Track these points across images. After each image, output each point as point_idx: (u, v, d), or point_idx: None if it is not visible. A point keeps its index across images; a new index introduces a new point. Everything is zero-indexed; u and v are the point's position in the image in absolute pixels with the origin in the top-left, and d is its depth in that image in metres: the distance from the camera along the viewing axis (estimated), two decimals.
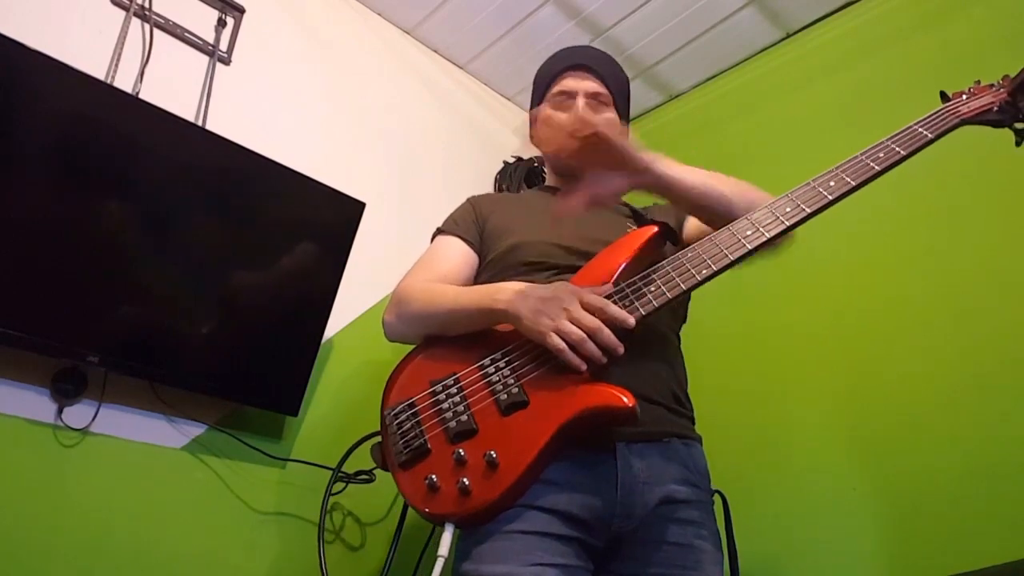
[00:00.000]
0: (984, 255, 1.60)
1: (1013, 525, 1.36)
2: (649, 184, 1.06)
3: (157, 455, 1.61)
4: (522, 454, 0.99)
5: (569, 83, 1.35)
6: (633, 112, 2.67)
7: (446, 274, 1.27)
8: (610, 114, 1.35)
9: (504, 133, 2.64)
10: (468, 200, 1.42)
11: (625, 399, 0.98)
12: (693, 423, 1.21)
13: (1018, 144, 1.12)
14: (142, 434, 1.60)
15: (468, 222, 1.35)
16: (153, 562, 1.55)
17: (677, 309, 1.28)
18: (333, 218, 1.85)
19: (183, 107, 1.77)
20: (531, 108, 1.46)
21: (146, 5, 1.80)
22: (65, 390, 1.49)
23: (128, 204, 1.56)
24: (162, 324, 1.59)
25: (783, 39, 2.30)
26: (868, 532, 1.58)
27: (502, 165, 2.54)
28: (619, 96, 1.38)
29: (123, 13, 1.78)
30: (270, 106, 2.02)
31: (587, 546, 1.04)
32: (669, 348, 1.22)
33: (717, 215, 1.10)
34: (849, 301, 1.80)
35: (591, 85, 1.34)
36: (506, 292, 1.09)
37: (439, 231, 1.37)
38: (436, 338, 1.19)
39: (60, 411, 1.50)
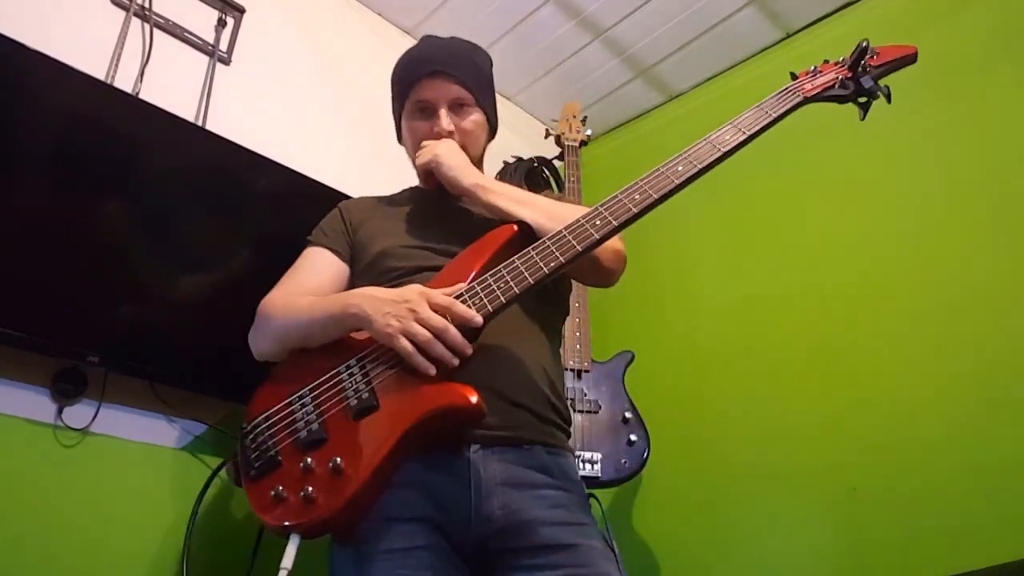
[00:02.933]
0: (984, 252, 1.60)
1: (1013, 525, 1.37)
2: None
3: (157, 455, 1.61)
4: (368, 459, 0.96)
5: (427, 93, 1.30)
6: (633, 112, 2.68)
7: (313, 287, 1.23)
8: (475, 116, 1.32)
9: (504, 133, 2.63)
10: (338, 207, 1.38)
11: (472, 398, 0.96)
12: (566, 433, 1.16)
13: (862, 119, 1.17)
14: (142, 434, 1.60)
15: (337, 232, 1.32)
16: (153, 562, 1.55)
17: (549, 302, 1.23)
18: None
19: (183, 107, 1.77)
20: (392, 107, 1.41)
21: (146, 5, 1.80)
22: (65, 390, 1.49)
23: (128, 204, 1.56)
24: (162, 324, 1.59)
25: (783, 39, 2.30)
26: (867, 532, 1.58)
27: (502, 165, 2.54)
28: (481, 92, 1.33)
29: (123, 13, 1.78)
30: (270, 106, 2.02)
31: (457, 548, 1.00)
32: (542, 347, 1.18)
33: None
34: (842, 297, 1.80)
35: (451, 91, 1.29)
36: (356, 296, 1.09)
37: (307, 241, 1.33)
38: (300, 350, 1.17)
39: (60, 411, 1.50)
